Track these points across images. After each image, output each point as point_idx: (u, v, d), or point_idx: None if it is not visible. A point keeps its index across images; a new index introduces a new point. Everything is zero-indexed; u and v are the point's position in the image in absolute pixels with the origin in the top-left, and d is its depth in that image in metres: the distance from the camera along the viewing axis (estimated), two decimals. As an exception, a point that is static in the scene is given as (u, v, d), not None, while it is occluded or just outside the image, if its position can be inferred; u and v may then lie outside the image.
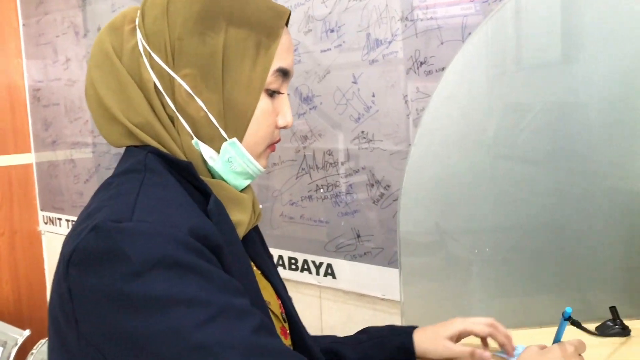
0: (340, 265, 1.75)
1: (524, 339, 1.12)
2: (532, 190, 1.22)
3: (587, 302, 1.21)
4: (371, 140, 1.67)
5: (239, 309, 0.65)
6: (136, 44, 0.73)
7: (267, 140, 0.78)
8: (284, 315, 0.85)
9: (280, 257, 1.88)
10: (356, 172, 1.70)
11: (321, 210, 1.78)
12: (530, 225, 1.23)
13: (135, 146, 0.75)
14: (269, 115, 0.76)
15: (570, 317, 0.88)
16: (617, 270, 1.20)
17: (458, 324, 0.99)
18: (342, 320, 1.76)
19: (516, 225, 1.23)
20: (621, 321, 1.12)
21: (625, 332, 1.11)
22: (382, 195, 1.65)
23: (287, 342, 0.83)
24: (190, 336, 0.60)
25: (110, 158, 2.45)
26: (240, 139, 0.75)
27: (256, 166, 0.76)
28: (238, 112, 0.74)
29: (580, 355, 0.87)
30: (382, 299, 1.67)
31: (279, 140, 0.80)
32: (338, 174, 1.74)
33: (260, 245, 0.87)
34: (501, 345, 1.01)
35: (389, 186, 1.64)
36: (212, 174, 0.76)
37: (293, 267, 1.86)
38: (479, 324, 1.00)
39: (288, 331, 0.84)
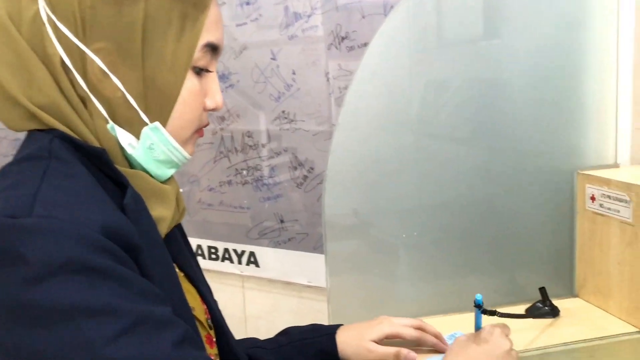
0: (263, 252, 1.68)
1: (456, 323, 1.10)
2: (459, 170, 1.19)
3: (517, 283, 1.20)
4: (293, 121, 1.60)
5: (158, 318, 0.57)
6: (38, 12, 0.62)
7: (195, 125, 0.69)
8: (209, 321, 0.77)
9: (199, 246, 1.78)
10: (278, 154, 1.63)
11: (242, 195, 1.70)
12: (457, 205, 1.20)
13: (39, 130, 0.64)
14: (196, 96, 0.67)
15: (480, 304, 0.85)
16: (545, 249, 1.20)
17: (385, 327, 0.95)
18: (266, 310, 1.70)
19: (444, 207, 1.20)
20: (550, 302, 1.12)
21: (554, 312, 1.11)
22: (305, 177, 1.59)
23: (213, 351, 0.76)
24: (102, 351, 0.52)
25: (8, 144, 2.24)
26: (164, 123, 0.66)
27: (182, 153, 0.68)
28: (161, 93, 0.64)
29: (507, 336, 0.85)
30: (308, 286, 1.62)
31: (208, 124, 0.71)
32: (259, 157, 1.66)
33: (183, 244, 0.78)
34: (432, 347, 0.98)
35: (312, 168, 1.58)
36: (131, 163, 0.66)
37: (213, 256, 1.77)
38: (407, 327, 0.97)
39: (214, 339, 0.77)
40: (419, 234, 1.17)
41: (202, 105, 0.69)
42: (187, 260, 0.76)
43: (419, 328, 0.98)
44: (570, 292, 1.21)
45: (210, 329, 0.76)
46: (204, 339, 0.71)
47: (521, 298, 1.16)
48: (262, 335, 0.98)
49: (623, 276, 1.06)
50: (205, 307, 0.77)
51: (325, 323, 1.16)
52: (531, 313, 1.12)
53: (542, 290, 1.12)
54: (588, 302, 1.17)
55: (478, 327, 0.87)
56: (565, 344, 1.01)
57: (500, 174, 1.19)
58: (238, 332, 1.67)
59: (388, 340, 0.96)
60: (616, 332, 1.03)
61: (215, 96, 0.70)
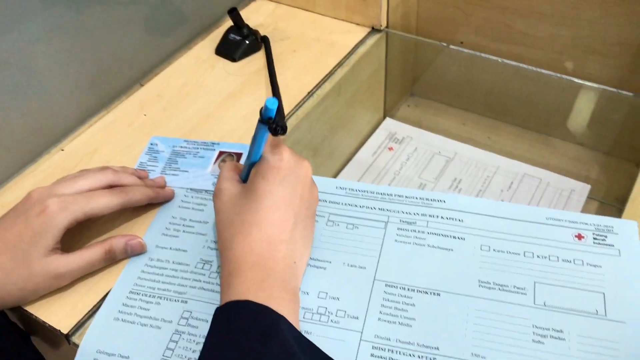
0: None
1: (120, 125, 0.66)
2: None
3: (179, 12, 0.74)
4: None
5: None
6: None
7: None
8: None
9: None
10: None
11: None
12: None
13: None
14: None
15: (272, 118, 0.43)
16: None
17: (59, 218, 0.47)
18: None
19: None
20: (249, 28, 0.73)
21: (263, 42, 0.73)
22: None
23: None
24: None
25: None
26: None
27: None
28: None
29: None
30: None
31: None
32: None
33: None
34: (149, 201, 0.55)
35: None
36: None
37: None
38: (96, 195, 0.50)
39: None
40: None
41: None
42: None
43: (114, 184, 0.53)
44: (246, -7, 0.82)
45: None
46: None
47: (186, 35, 0.74)
48: None
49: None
50: None
51: None
52: (235, 54, 0.72)
53: (234, 13, 0.71)
54: (275, 2, 0.81)
55: (257, 156, 0.47)
56: (307, 96, 0.67)
57: None
58: None
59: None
60: (355, 41, 0.73)
61: None
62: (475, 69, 0.82)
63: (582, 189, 0.73)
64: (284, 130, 0.44)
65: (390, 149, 0.81)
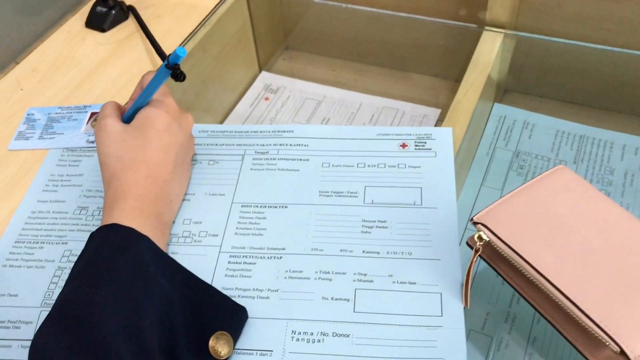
0: None
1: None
2: None
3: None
4: None
5: None
6: None
7: None
8: None
9: None
10: None
11: None
12: None
13: None
14: None
15: (177, 65, 0.50)
16: None
17: None
18: None
19: None
20: (114, -3, 0.78)
21: (130, 10, 0.78)
22: None
23: None
24: None
25: None
26: None
27: None
28: None
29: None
30: None
31: None
32: None
33: None
34: None
35: None
36: None
37: None
38: None
39: None
40: None
41: None
42: None
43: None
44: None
45: None
46: None
47: None
48: None
49: None
50: None
51: None
52: (105, 24, 0.77)
53: (97, -13, 0.76)
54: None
55: (143, 103, 0.53)
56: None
57: None
58: None
59: None
60: (216, 1, 0.79)
61: None
62: (339, 19, 0.90)
63: (434, 114, 0.82)
64: (184, 77, 0.50)
65: (267, 99, 0.88)
